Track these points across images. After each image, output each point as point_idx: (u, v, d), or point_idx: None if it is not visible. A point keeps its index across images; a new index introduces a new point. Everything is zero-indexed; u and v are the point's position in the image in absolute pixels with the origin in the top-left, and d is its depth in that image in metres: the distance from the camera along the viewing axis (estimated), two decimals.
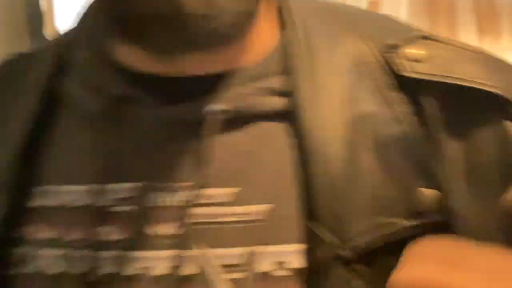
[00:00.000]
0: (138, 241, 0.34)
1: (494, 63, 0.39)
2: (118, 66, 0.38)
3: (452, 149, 0.35)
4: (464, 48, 0.39)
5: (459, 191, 0.35)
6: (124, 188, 0.35)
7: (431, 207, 0.34)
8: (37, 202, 0.37)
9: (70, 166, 0.37)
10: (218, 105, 0.35)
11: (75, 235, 0.36)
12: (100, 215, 0.35)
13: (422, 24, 2.21)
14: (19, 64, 0.44)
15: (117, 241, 0.35)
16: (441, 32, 2.19)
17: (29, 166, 0.38)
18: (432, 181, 0.35)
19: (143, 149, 0.36)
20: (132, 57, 0.38)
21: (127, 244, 0.34)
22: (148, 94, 0.36)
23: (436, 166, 0.35)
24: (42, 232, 0.37)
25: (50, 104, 0.40)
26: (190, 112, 0.35)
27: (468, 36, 2.10)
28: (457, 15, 2.10)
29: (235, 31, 0.35)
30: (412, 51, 0.37)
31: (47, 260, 0.36)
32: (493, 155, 0.36)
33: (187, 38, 0.33)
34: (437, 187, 0.35)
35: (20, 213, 0.37)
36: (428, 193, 0.34)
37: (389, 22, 0.41)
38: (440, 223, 0.34)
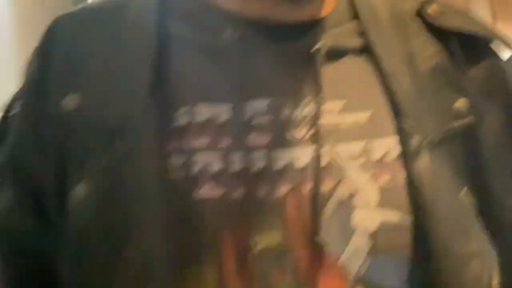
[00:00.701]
0: (281, 142, 0.43)
1: (473, 16, 0.54)
2: (224, 12, 0.47)
3: (472, 74, 0.50)
4: (457, 9, 0.54)
5: (479, 103, 0.49)
6: (260, 104, 0.44)
7: (466, 111, 0.48)
8: (184, 120, 0.43)
9: (207, 89, 0.44)
10: (321, 43, 0.46)
11: (226, 142, 0.43)
12: (245, 126, 0.43)
13: None
14: (114, 10, 0.49)
15: (264, 145, 0.43)
16: None
17: (160, 93, 0.44)
18: (464, 94, 0.48)
19: (269, 75, 0.45)
20: (238, 4, 0.47)
21: (272, 145, 0.43)
22: (259, 35, 0.46)
23: (464, 85, 0.49)
24: (196, 141, 0.43)
25: (164, 43, 0.46)
26: (302, 48, 0.46)
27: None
28: (471, 1, 2.10)
29: None
30: (435, 7, 0.51)
31: (206, 161, 0.42)
32: (497, 78, 0.52)
33: None
34: (467, 98, 0.49)
35: (170, 131, 0.43)
36: (463, 101, 0.48)
37: None
38: (473, 123, 0.48)
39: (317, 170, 0.42)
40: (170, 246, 0.40)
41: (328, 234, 0.42)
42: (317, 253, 0.41)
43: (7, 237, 0.46)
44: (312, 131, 0.44)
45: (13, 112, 0.48)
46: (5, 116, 0.48)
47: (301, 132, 0.44)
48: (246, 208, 0.41)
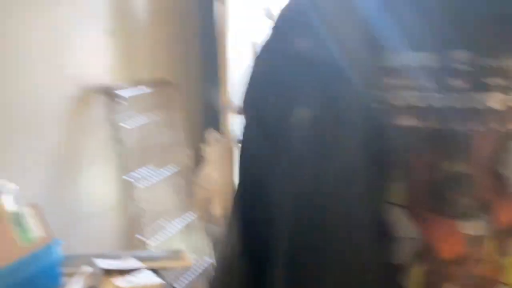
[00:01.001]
0: (475, 87, 0.48)
1: None
2: None
3: None
4: None
5: None
6: (459, 54, 0.49)
7: None
8: (388, 62, 0.51)
9: (411, 37, 0.51)
10: None
11: (424, 83, 0.49)
12: (443, 71, 0.49)
13: None
14: None
15: (458, 88, 0.49)
16: None
17: (370, 39, 0.52)
18: None
19: (471, 28, 0.50)
20: None
21: (466, 89, 0.48)
22: None
23: None
24: (397, 81, 0.50)
25: None
26: (503, 6, 0.50)
27: None
28: None
29: None
30: None
31: (405, 97, 0.50)
32: None
33: None
34: None
35: (377, 71, 0.51)
36: None
37: None
38: None
39: (505, 112, 0.47)
40: (367, 162, 0.48)
41: (511, 168, 0.47)
42: (498, 184, 0.47)
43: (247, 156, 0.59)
44: (504, 82, 0.48)
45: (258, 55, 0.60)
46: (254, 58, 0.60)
47: (494, 81, 0.49)
48: (437, 138, 0.48)
